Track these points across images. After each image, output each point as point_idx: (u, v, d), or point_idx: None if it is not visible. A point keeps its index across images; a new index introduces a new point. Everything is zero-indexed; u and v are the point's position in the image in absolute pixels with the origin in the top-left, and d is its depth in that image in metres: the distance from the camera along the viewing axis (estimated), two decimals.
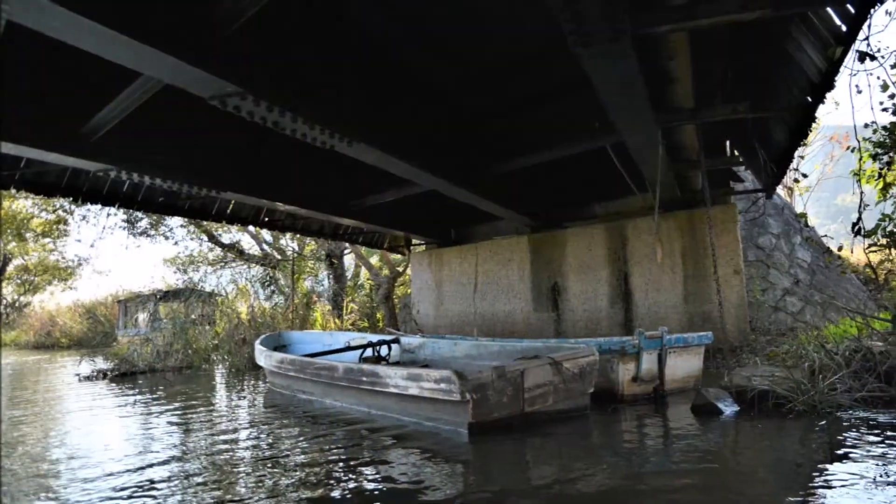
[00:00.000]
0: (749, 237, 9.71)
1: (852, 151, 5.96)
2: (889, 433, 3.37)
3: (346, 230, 11.13)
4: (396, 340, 7.13)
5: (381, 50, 4.68)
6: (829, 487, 2.58)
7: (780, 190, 11.36)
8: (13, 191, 6.01)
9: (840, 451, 3.11)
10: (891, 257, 6.76)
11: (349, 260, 18.47)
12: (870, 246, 6.13)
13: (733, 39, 4.60)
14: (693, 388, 5.07)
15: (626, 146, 5.45)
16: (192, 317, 13.53)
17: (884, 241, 5.96)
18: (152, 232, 17.02)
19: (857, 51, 4.54)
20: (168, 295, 18.01)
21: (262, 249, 18.72)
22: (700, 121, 5.33)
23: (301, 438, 4.08)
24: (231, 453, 3.78)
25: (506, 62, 5.18)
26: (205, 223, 16.59)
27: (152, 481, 3.11)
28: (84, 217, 18.28)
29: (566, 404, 4.28)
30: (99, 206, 10.44)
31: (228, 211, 8.52)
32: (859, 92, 5.53)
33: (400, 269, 15.68)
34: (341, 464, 3.34)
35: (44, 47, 3.44)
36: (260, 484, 3.02)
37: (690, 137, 5.98)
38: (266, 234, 18.43)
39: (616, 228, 8.62)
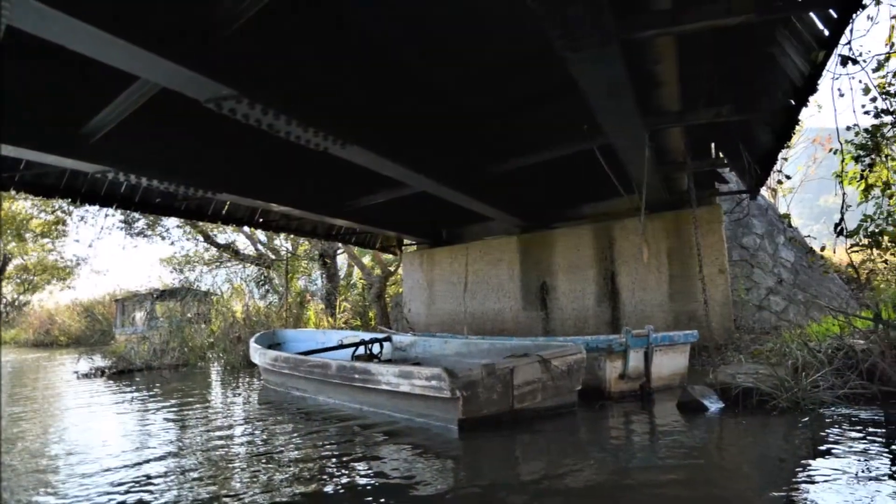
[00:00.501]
0: (734, 237, 9.79)
1: (835, 153, 6.04)
2: (870, 429, 3.41)
3: (339, 231, 11.16)
4: (388, 339, 7.18)
5: (377, 51, 4.67)
6: (812, 482, 2.61)
7: (764, 191, 11.44)
8: (13, 192, 6.06)
9: (822, 447, 3.15)
10: (872, 257, 6.84)
11: (342, 260, 18.52)
12: (852, 246, 6.22)
13: (718, 44, 4.64)
14: (679, 385, 5.12)
15: (614, 148, 5.50)
16: (188, 315, 13.62)
17: (865, 241, 6.03)
18: (149, 232, 17.06)
19: (840, 55, 4.60)
20: (164, 294, 18.13)
21: (256, 249, 18.72)
22: (686, 124, 5.41)
23: (295, 434, 4.12)
24: (226, 449, 3.82)
25: (504, 63, 5.19)
26: (201, 224, 16.59)
27: (149, 476, 3.14)
28: (82, 218, 18.38)
29: (554, 401, 4.33)
30: (97, 207, 10.49)
31: (224, 212, 8.57)
32: (842, 95, 5.64)
33: (392, 268, 15.74)
34: (334, 459, 3.37)
35: (43, 51, 3.46)
36: (254, 479, 3.05)
37: (676, 140, 6.06)
38: (261, 235, 18.43)
39: (603, 229, 8.70)
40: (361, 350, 6.75)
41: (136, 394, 6.88)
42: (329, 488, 2.86)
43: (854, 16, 3.75)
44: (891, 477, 2.59)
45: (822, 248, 8.18)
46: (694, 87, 5.13)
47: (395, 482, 2.89)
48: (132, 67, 3.51)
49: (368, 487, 2.83)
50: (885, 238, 6.02)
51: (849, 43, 4.87)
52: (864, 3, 4.16)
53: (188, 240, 18.97)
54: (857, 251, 6.46)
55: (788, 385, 4.11)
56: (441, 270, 10.99)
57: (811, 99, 4.76)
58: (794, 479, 2.72)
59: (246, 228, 15.27)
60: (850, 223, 5.92)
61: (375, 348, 6.87)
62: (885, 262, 6.81)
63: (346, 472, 3.12)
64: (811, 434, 3.48)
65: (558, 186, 8.46)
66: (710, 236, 7.60)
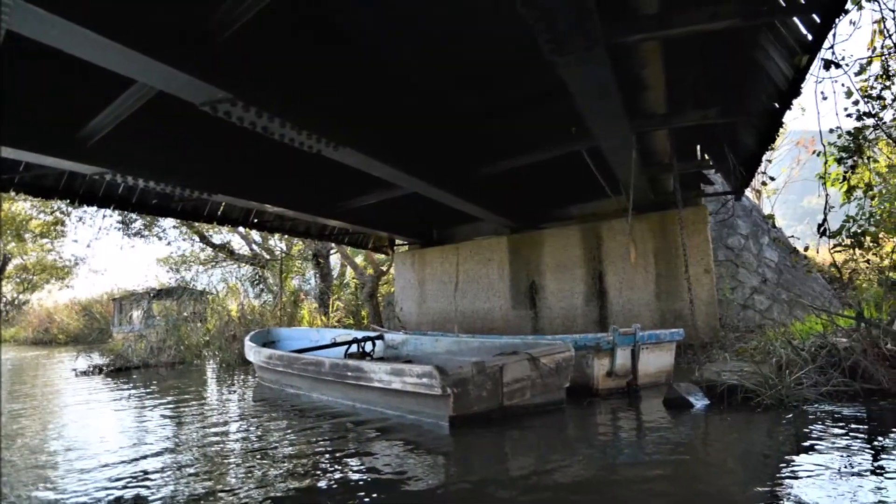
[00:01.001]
0: (719, 238, 9.84)
1: (818, 155, 6.10)
2: (853, 426, 3.46)
3: (332, 231, 11.19)
4: (380, 337, 7.24)
5: (369, 54, 4.67)
6: (796, 478, 2.64)
7: (748, 192, 11.46)
8: (12, 193, 6.10)
9: (806, 443, 3.19)
10: (855, 257, 6.92)
11: (335, 259, 18.56)
12: (835, 246, 6.29)
13: (704, 48, 4.67)
14: (665, 382, 5.19)
15: (601, 150, 5.55)
16: (185, 314, 13.69)
17: (848, 241, 6.10)
18: (146, 233, 17.05)
19: (823, 59, 4.69)
20: (161, 293, 18.18)
21: (251, 249, 18.72)
22: (672, 126, 5.46)
23: (289, 431, 4.16)
24: (221, 445, 3.86)
25: (495, 66, 5.18)
26: (197, 224, 16.56)
27: (146, 472, 3.18)
28: (80, 218, 18.47)
29: (543, 398, 4.39)
30: (95, 208, 10.46)
31: (219, 213, 8.62)
32: (824, 98, 5.73)
33: (384, 268, 15.78)
34: (327, 455, 3.41)
35: (43, 54, 3.47)
36: (249, 474, 3.09)
37: (663, 142, 6.12)
38: (255, 235, 18.43)
39: (591, 229, 8.76)
40: (354, 348, 6.82)
41: (133, 391, 6.91)
42: (322, 483, 2.90)
43: (837, 21, 3.80)
44: (872, 472, 2.62)
45: (806, 248, 8.24)
46: (680, 90, 5.18)
47: (386, 477, 2.92)
48: (129, 71, 3.52)
49: (361, 482, 2.86)
50: (867, 238, 6.09)
51: (832, 47, 4.93)
52: (846, 8, 4.26)
53: (184, 240, 19.00)
54: (839, 251, 6.51)
55: (772, 382, 4.16)
56: (432, 270, 11.03)
57: (795, 102, 4.83)
58: (777, 475, 2.75)
59: (241, 229, 15.39)
60: (833, 224, 6.01)
61: (368, 346, 6.94)
62: (867, 261, 6.88)
63: (339, 467, 3.15)
64: (795, 430, 3.53)
65: (547, 187, 8.50)
66: (696, 237, 7.67)
